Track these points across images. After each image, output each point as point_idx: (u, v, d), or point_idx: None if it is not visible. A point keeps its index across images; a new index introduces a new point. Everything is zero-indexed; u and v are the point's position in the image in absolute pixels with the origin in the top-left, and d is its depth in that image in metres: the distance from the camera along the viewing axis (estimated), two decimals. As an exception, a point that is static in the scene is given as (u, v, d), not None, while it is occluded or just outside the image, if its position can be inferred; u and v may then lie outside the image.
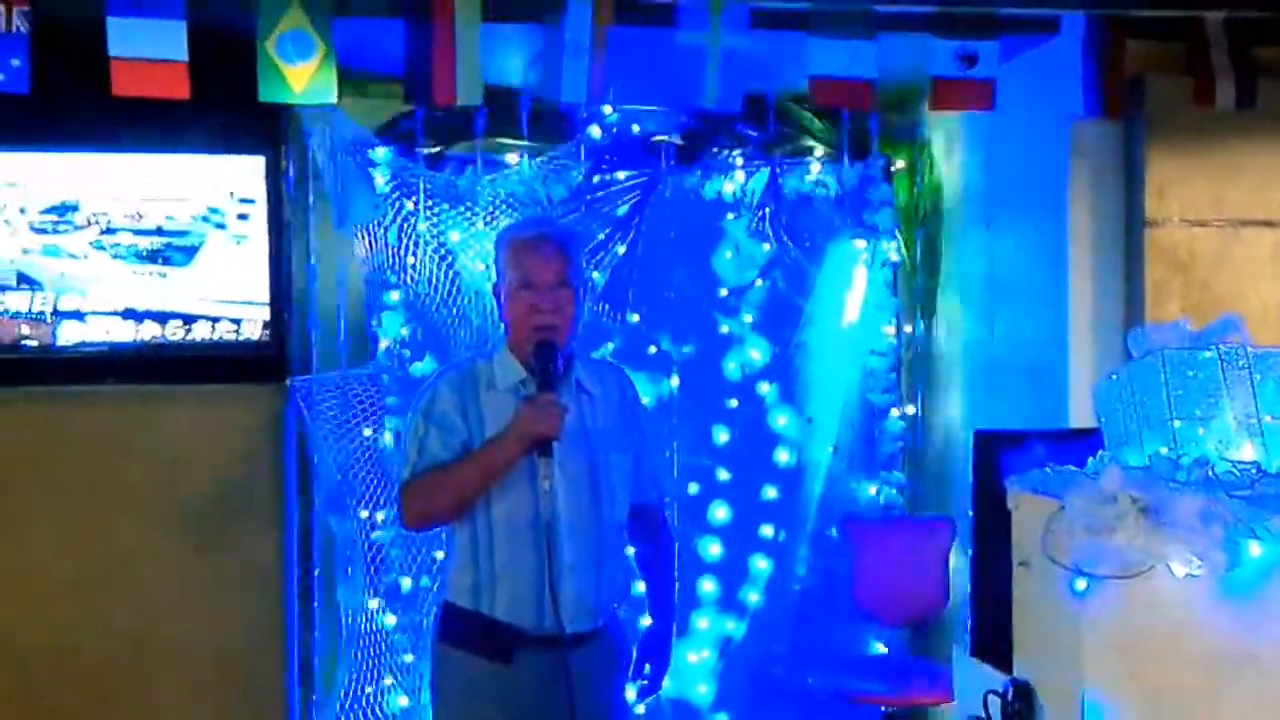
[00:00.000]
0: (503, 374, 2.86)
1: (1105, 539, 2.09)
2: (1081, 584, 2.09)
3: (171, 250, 3.69)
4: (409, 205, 4.02)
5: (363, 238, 3.99)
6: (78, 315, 3.69)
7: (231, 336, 3.73)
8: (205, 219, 3.72)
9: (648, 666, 3.03)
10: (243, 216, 3.74)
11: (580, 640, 2.79)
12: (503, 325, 2.92)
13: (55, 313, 3.66)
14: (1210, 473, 2.17)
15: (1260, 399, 2.28)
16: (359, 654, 3.96)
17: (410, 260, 4.03)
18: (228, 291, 3.76)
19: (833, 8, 3.35)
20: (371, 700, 3.96)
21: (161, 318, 3.72)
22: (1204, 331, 2.37)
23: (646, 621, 3.11)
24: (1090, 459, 2.29)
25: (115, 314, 3.71)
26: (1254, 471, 2.19)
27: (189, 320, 3.73)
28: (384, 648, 3.99)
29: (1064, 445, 2.35)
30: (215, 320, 3.73)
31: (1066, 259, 3.68)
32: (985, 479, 2.46)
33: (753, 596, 4.48)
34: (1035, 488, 2.27)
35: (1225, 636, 2.12)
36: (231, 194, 3.75)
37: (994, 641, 2.41)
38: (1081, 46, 3.51)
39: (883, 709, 4.12)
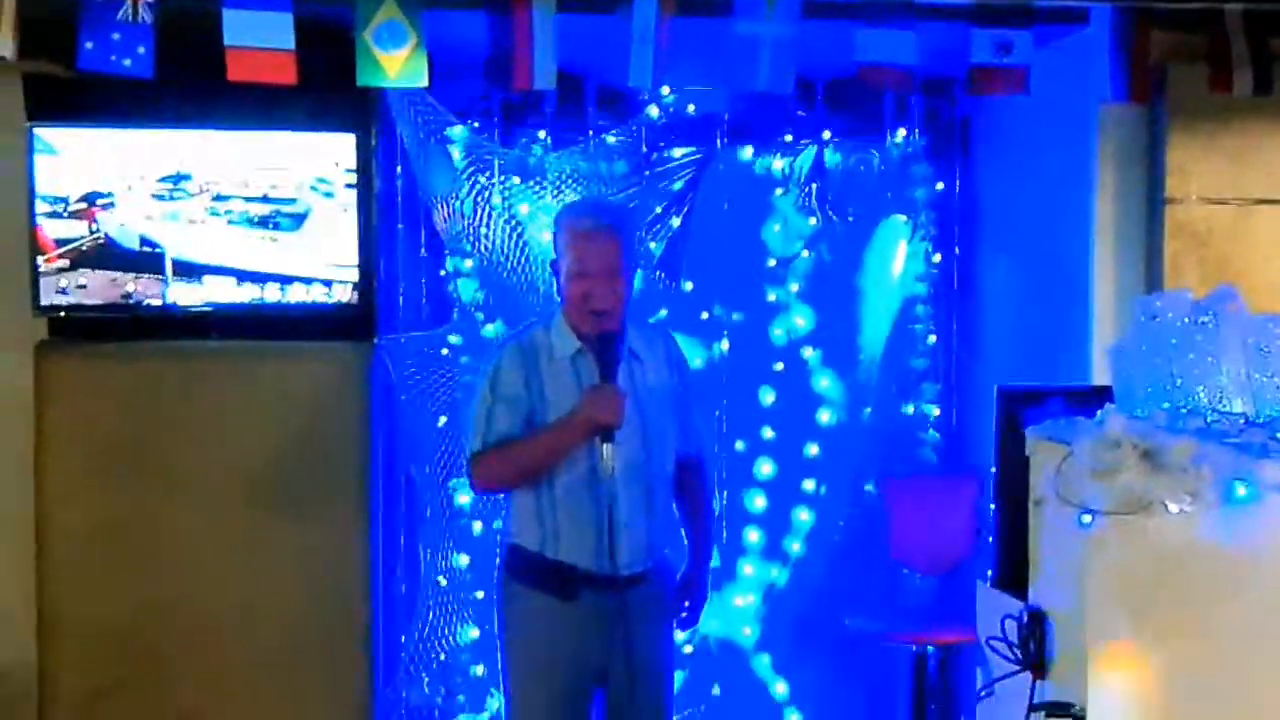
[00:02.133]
0: (560, 344, 3.11)
1: (1109, 480, 2.31)
2: (1087, 519, 2.31)
3: (281, 217, 4.01)
4: (483, 180, 4.29)
5: (442, 209, 4.26)
6: (189, 276, 4.01)
7: (324, 299, 4.07)
8: (311, 189, 4.01)
9: (687, 602, 3.32)
10: (329, 194, 4.03)
11: (634, 581, 3.09)
12: (560, 297, 3.16)
13: (171, 273, 3.99)
14: (1204, 422, 2.43)
15: (1250, 359, 2.55)
16: (435, 591, 4.28)
17: (484, 230, 4.29)
18: (321, 257, 4.05)
19: None
20: (445, 633, 4.28)
21: (261, 279, 4.02)
22: (1204, 300, 2.63)
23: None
24: (1099, 411, 2.57)
25: (221, 274, 4.01)
26: (1242, 422, 2.44)
27: (285, 281, 4.02)
28: (457, 585, 4.31)
29: (1079, 401, 2.58)
30: (309, 282, 4.06)
31: (1092, 232, 3.87)
32: (1008, 430, 2.70)
33: (795, 546, 4.72)
34: (1050, 436, 2.50)
35: (1214, 566, 2.34)
36: (329, 167, 4.03)
37: (1012, 574, 2.66)
38: (1109, 36, 3.67)
39: (913, 648, 4.37)
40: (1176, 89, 3.79)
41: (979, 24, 3.63)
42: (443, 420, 4.25)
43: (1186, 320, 2.53)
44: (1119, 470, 2.33)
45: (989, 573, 2.88)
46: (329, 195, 4.02)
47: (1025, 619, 2.52)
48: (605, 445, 2.99)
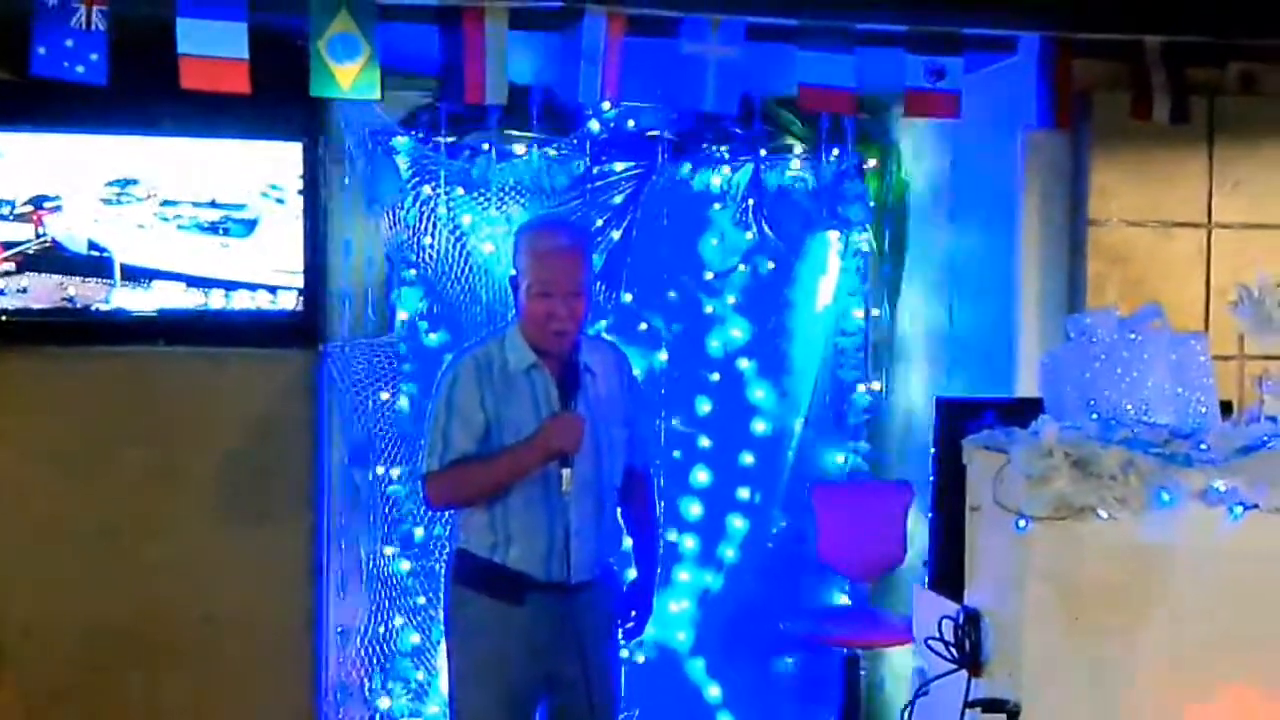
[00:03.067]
0: (515, 358, 3.12)
1: (1043, 487, 2.43)
2: (1022, 524, 2.43)
3: (231, 223, 4.03)
4: (428, 190, 4.33)
5: (387, 219, 4.30)
6: (137, 281, 4.00)
7: (270, 306, 4.09)
8: (263, 196, 4.04)
9: (633, 613, 3.36)
10: (280, 200, 4.06)
11: (581, 588, 3.13)
12: (515, 310, 3.17)
13: (120, 278, 3.98)
14: (1131, 432, 2.58)
15: (1174, 374, 2.70)
16: (376, 596, 4.29)
17: (428, 240, 4.33)
18: (272, 263, 4.07)
19: (818, 24, 3.66)
20: (386, 638, 4.30)
21: (211, 285, 4.03)
22: (1131, 318, 2.78)
23: (633, 574, 3.42)
24: (1034, 421, 2.70)
25: (170, 280, 4.02)
26: (1167, 433, 2.60)
27: (233, 288, 4.05)
28: (398, 591, 4.33)
29: (1013, 412, 2.67)
30: (255, 289, 4.08)
31: (1017, 252, 4.02)
32: (946, 439, 2.80)
33: (729, 552, 4.82)
34: (986, 444, 2.61)
35: (1141, 568, 2.47)
36: (281, 174, 4.06)
37: (949, 577, 2.76)
38: (1036, 64, 3.82)
39: (844, 651, 4.48)
40: (1099, 116, 3.95)
41: (913, 50, 3.76)
42: (386, 427, 4.28)
43: (1114, 337, 2.67)
44: (1052, 478, 2.45)
45: (926, 576, 2.98)
46: (281, 202, 4.04)
47: (961, 619, 2.62)
48: (564, 470, 3.03)
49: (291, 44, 3.48)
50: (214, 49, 3.35)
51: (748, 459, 4.86)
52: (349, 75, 3.44)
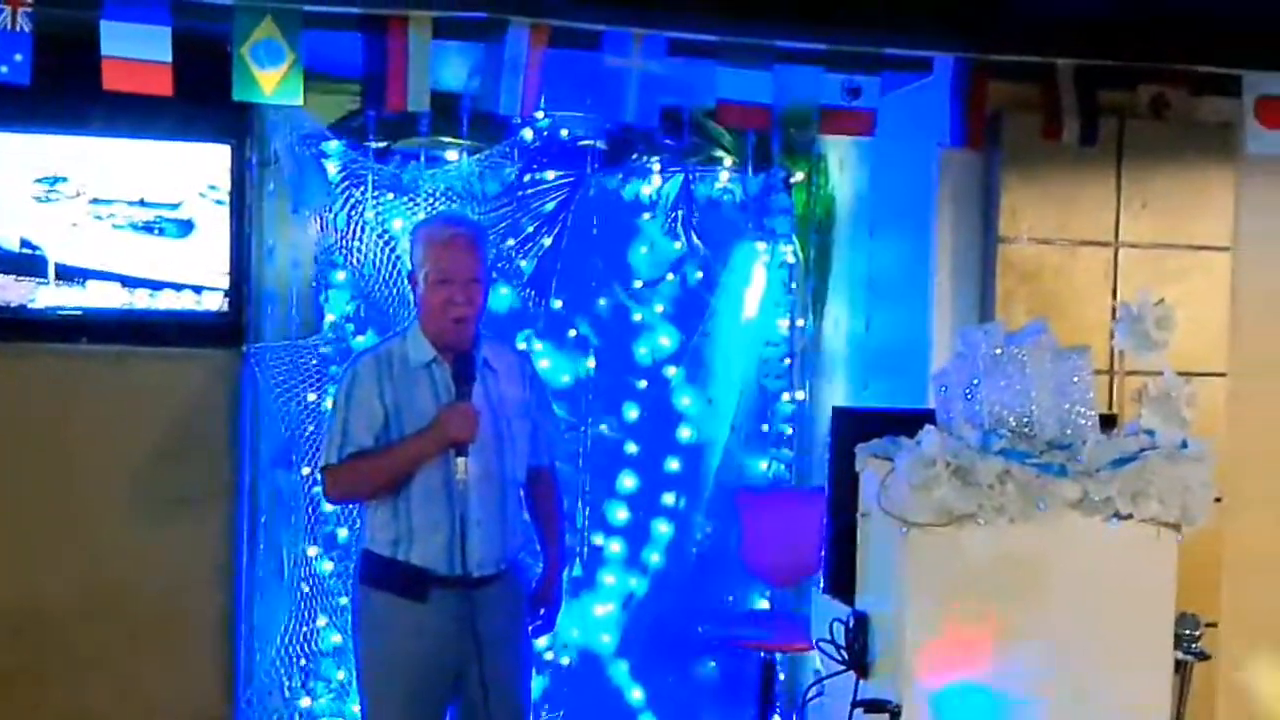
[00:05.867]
0: (415, 353, 3.19)
1: (925, 494, 2.52)
2: (905, 531, 2.52)
3: (166, 223, 4.06)
4: (357, 194, 4.36)
5: (315, 222, 4.33)
6: (70, 280, 4.02)
7: (196, 306, 4.12)
8: (200, 196, 4.07)
9: (542, 609, 3.43)
10: (219, 201, 4.09)
11: (485, 582, 3.18)
12: (416, 309, 3.25)
13: (51, 277, 4.00)
14: (1010, 443, 2.67)
15: (1056, 388, 2.79)
16: (298, 596, 4.33)
17: (357, 244, 4.37)
18: (207, 264, 4.11)
19: (737, 41, 3.74)
20: (308, 638, 4.33)
21: (143, 285, 4.06)
22: (1018, 333, 2.86)
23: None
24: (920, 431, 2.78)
25: (102, 280, 4.04)
26: (1045, 444, 2.70)
27: (164, 288, 4.07)
28: (320, 591, 4.37)
29: (907, 422, 2.74)
30: (181, 289, 4.11)
31: (932, 267, 4.12)
32: (840, 448, 2.86)
33: (654, 557, 4.88)
34: (876, 453, 2.69)
35: (1018, 573, 2.57)
36: (218, 175, 4.10)
37: (842, 582, 2.83)
38: (950, 85, 3.92)
39: (761, 654, 4.56)
40: (1011, 136, 4.05)
41: (830, 68, 3.85)
42: (310, 428, 4.32)
43: (999, 351, 2.76)
44: (934, 486, 2.54)
45: (821, 580, 3.06)
46: (220, 203, 4.08)
47: (851, 623, 2.70)
48: (460, 459, 3.09)
49: (220, 46, 3.51)
50: (137, 52, 3.40)
51: (674, 465, 4.93)
52: (272, 80, 3.49)
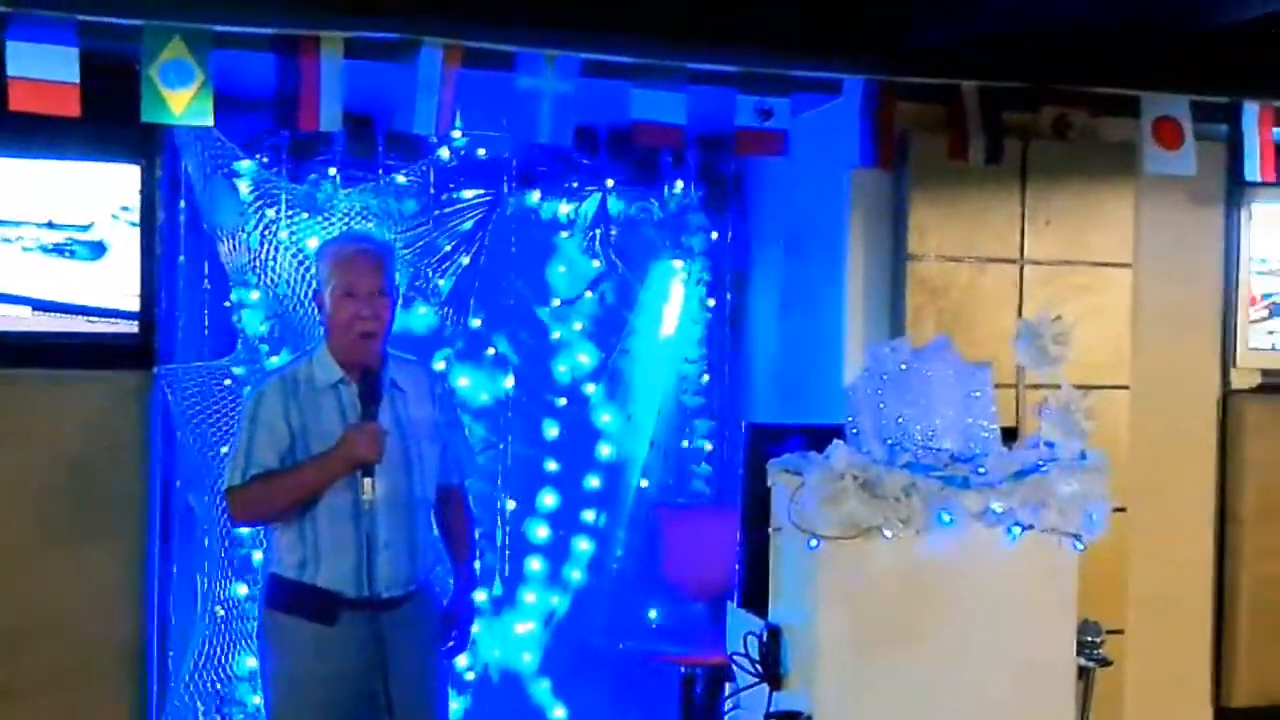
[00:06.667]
0: (322, 374, 3.18)
1: (834, 508, 2.58)
2: (814, 543, 2.58)
3: (77, 245, 4.00)
4: (270, 214, 4.33)
5: (227, 241, 4.30)
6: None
7: (105, 328, 4.06)
8: (114, 218, 4.00)
9: (453, 629, 3.41)
10: (133, 223, 4.03)
11: (394, 604, 3.17)
12: (323, 328, 3.23)
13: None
14: (915, 456, 2.73)
15: (961, 402, 2.86)
16: (212, 621, 4.27)
17: (270, 264, 4.33)
18: (116, 287, 4.05)
19: (650, 63, 3.78)
20: (222, 662, 4.27)
21: (52, 309, 4.00)
22: (923, 349, 2.94)
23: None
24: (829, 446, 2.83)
25: (11, 304, 3.98)
26: (948, 458, 2.76)
27: (75, 312, 4.01)
28: (235, 615, 4.31)
29: (819, 438, 2.79)
30: (89, 311, 4.05)
31: (844, 284, 4.19)
32: (753, 463, 2.91)
33: (575, 574, 4.89)
34: (787, 468, 2.75)
35: (924, 583, 2.64)
36: (124, 199, 4.03)
37: (756, 595, 2.89)
38: (859, 106, 3.98)
39: (682, 669, 4.59)
40: (919, 156, 4.14)
41: (743, 90, 3.89)
42: (224, 450, 4.27)
43: (904, 367, 2.82)
44: (842, 499, 2.60)
45: (736, 594, 3.10)
46: (134, 225, 4.03)
47: (764, 636, 2.75)
48: (366, 479, 3.08)
49: (129, 66, 3.47)
50: (45, 73, 3.35)
51: (594, 482, 4.95)
52: (181, 101, 3.45)
